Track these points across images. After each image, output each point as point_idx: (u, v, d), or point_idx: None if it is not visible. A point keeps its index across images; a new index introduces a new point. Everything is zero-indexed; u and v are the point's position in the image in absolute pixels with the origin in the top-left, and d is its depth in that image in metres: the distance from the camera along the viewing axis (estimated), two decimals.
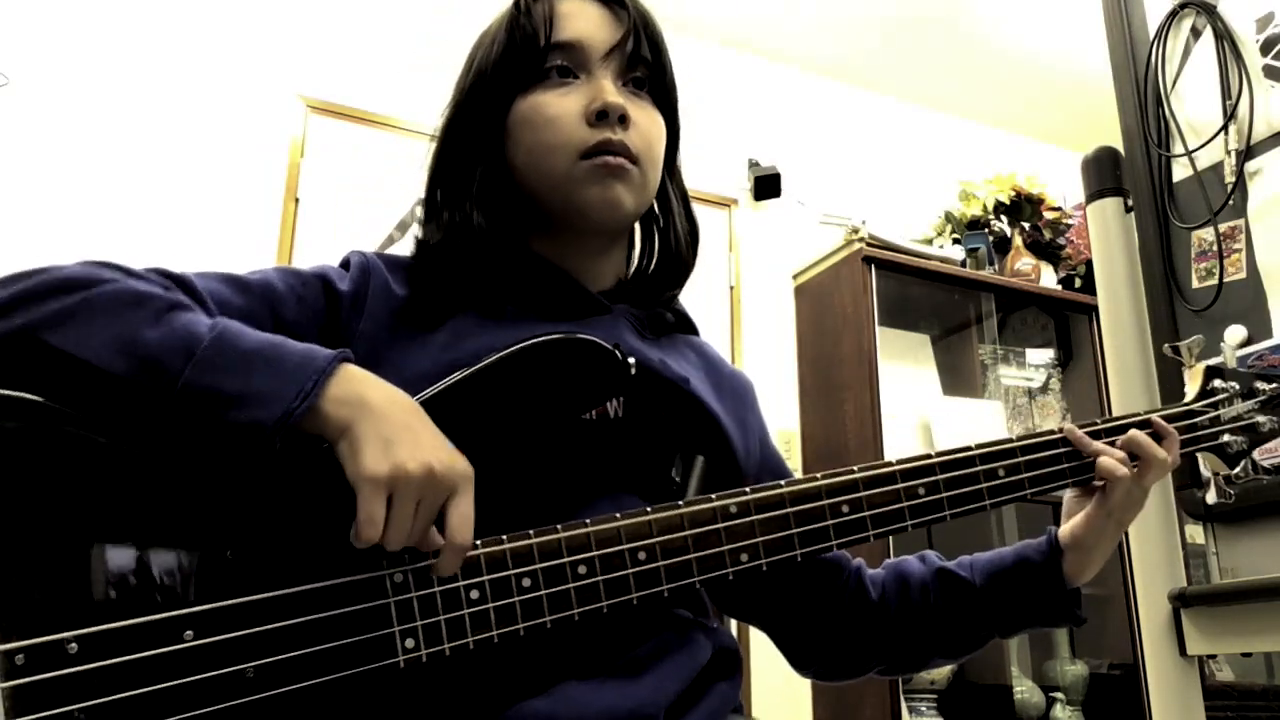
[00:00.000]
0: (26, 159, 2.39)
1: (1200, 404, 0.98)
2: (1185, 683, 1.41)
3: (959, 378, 3.29)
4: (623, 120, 0.85)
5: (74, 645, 0.57)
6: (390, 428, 0.63)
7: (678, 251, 0.95)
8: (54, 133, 2.43)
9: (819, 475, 0.79)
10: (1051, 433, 0.90)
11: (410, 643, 0.64)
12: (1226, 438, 0.98)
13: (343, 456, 0.63)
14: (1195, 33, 1.53)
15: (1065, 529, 0.92)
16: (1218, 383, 1.00)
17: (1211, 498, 1.10)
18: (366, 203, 2.69)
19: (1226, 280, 1.43)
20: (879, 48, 3.47)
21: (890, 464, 0.81)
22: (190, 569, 0.61)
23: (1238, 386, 1.00)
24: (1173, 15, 1.55)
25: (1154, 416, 0.93)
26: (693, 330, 1.00)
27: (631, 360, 0.77)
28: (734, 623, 1.03)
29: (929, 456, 0.83)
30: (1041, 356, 3.28)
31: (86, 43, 2.52)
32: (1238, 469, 0.99)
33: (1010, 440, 0.87)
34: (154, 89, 2.57)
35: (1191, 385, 1.01)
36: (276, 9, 2.77)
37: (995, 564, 0.93)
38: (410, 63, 2.84)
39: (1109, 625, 2.98)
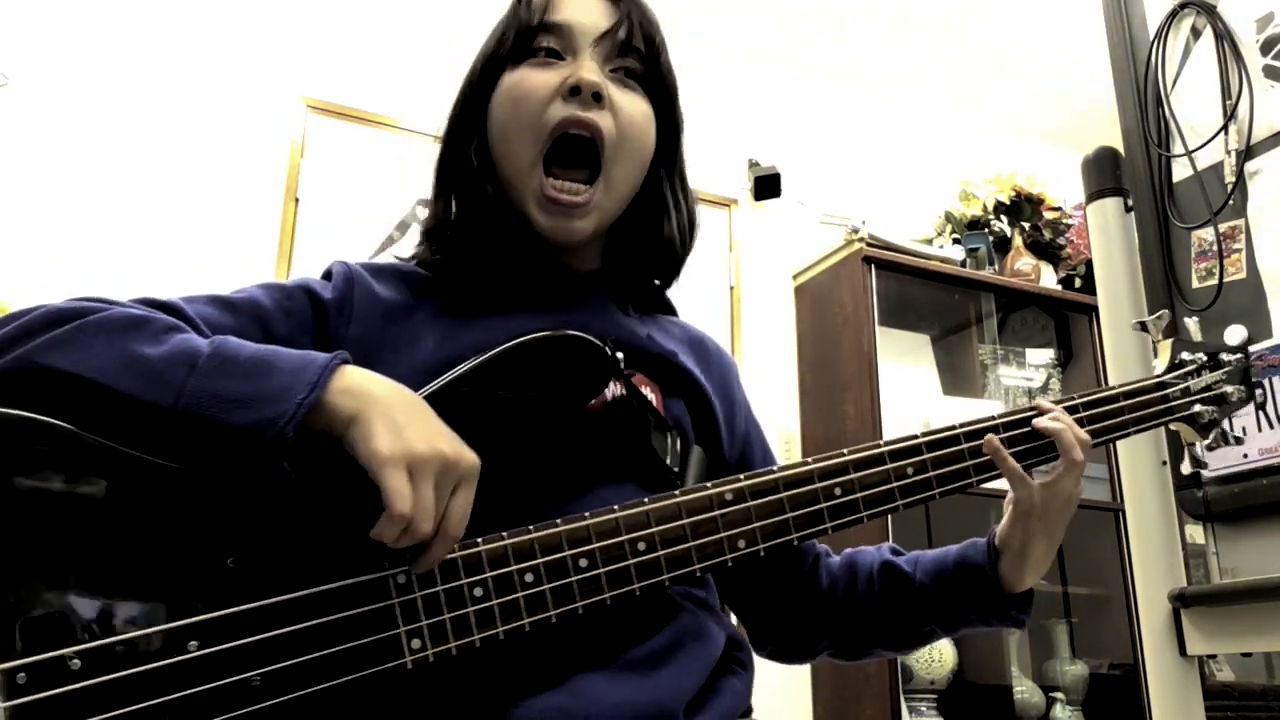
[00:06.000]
0: (26, 159, 2.39)
1: (1170, 376, 1.00)
2: (1185, 683, 1.41)
3: (959, 378, 3.29)
4: (599, 99, 0.84)
5: (76, 661, 0.56)
6: (399, 414, 0.64)
7: (670, 245, 0.93)
8: (54, 133, 2.43)
9: (810, 460, 0.80)
10: (1034, 409, 0.90)
11: (416, 643, 0.64)
12: (1198, 408, 1.00)
13: (355, 443, 0.63)
14: (1195, 33, 1.53)
15: (998, 531, 0.92)
16: (1185, 355, 1.02)
17: (1186, 467, 1.15)
18: (366, 203, 2.68)
19: (1226, 280, 1.43)
20: (879, 48, 3.47)
21: (879, 445, 0.83)
22: (193, 579, 0.61)
23: (1205, 358, 1.02)
24: (1173, 15, 1.55)
25: (1119, 392, 0.94)
26: (672, 311, 1.02)
27: (620, 355, 0.78)
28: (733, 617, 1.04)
29: (915, 437, 0.85)
30: (1041, 356, 3.28)
31: (86, 43, 2.52)
32: (1210, 439, 1.01)
33: (993, 418, 0.88)
34: (154, 89, 2.57)
35: (1161, 359, 1.03)
36: (278, 10, 2.77)
37: (939, 562, 0.94)
38: (410, 63, 2.84)
39: (1109, 625, 2.98)
